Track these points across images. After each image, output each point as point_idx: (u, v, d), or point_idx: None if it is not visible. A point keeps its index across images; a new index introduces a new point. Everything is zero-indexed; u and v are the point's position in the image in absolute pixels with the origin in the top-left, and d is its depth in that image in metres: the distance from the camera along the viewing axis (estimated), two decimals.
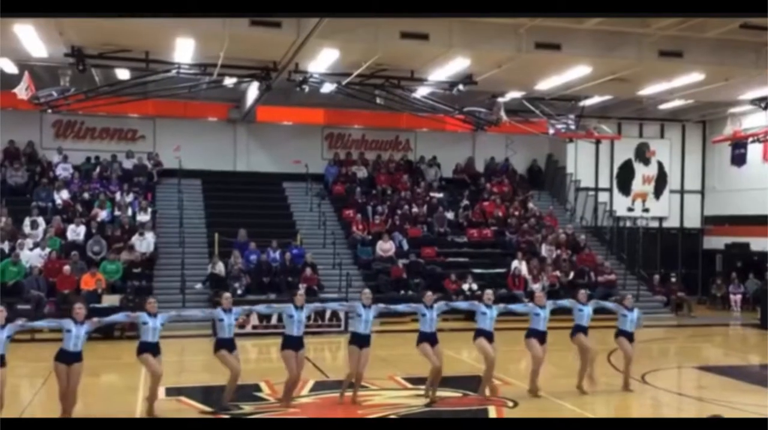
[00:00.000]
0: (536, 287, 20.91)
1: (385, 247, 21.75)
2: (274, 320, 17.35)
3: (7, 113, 22.28)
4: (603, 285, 21.69)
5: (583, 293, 11.98)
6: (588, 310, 11.64)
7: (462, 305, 12.35)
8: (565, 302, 12.04)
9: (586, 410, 10.60)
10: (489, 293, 11.31)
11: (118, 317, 10.84)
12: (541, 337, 11.26)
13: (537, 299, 11.56)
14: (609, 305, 12.26)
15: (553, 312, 11.53)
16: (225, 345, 10.25)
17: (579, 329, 11.59)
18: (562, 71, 18.37)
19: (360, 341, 10.52)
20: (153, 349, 9.91)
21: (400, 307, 11.49)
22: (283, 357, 10.36)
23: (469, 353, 14.80)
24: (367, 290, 10.91)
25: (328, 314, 17.85)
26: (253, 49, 16.44)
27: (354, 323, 10.72)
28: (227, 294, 10.77)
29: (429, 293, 11.17)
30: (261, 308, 11.60)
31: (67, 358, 9.40)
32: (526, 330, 11.41)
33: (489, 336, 11.01)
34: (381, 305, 11.17)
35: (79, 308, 9.55)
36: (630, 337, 11.74)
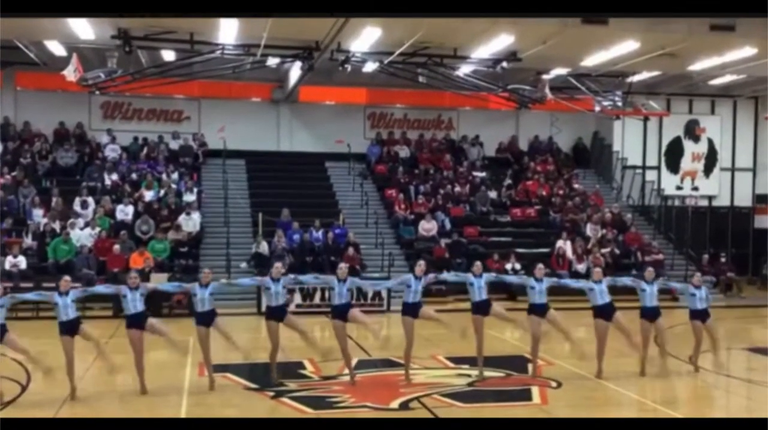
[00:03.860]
0: (581, 267, 20.70)
1: (428, 226, 21.72)
2: (317, 299, 17.57)
3: (57, 95, 22.82)
4: (650, 265, 21.29)
5: (650, 271, 11.58)
6: (652, 289, 11.21)
7: (511, 278, 12.28)
8: (627, 280, 11.71)
9: (632, 392, 10.48)
10: (540, 266, 11.37)
11: (171, 286, 11.55)
12: (602, 312, 10.98)
13: (595, 274, 11.28)
14: (675, 284, 12.04)
15: (615, 290, 11.23)
16: (273, 314, 10.53)
17: (645, 312, 11.21)
18: (609, 47, 17.98)
19: (413, 310, 10.70)
20: (204, 318, 10.29)
21: (449, 275, 11.77)
22: (333, 327, 10.66)
23: (512, 334, 14.75)
24: (421, 262, 11.02)
25: (370, 294, 17.96)
26: (296, 28, 16.45)
27: (404, 294, 10.82)
28: (278, 263, 11.10)
29: (478, 263, 11.29)
30: (308, 277, 12.14)
31: (136, 321, 9.99)
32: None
33: (541, 310, 10.99)
34: (431, 275, 11.28)
35: (134, 277, 10.27)
36: (703, 316, 11.40)
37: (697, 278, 11.75)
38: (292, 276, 11.96)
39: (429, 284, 11.14)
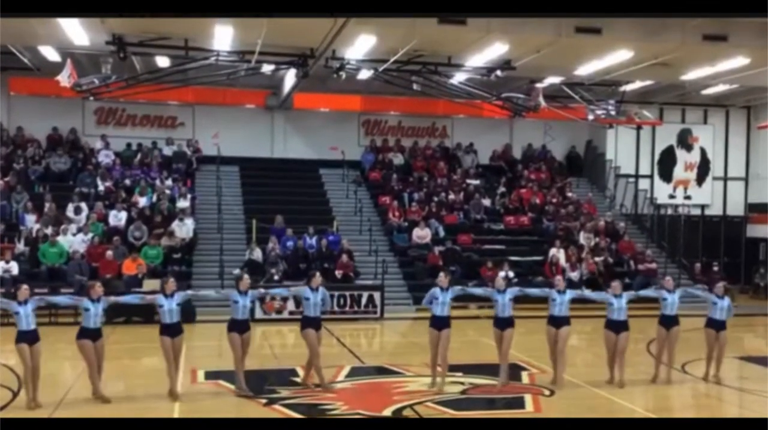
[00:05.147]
0: (574, 275, 20.72)
1: (422, 234, 21.73)
2: None
3: (51, 101, 22.75)
4: (643, 274, 21.37)
5: (669, 280, 11.70)
6: (674, 298, 11.33)
7: (534, 291, 12.24)
8: (650, 292, 11.74)
9: (623, 400, 10.47)
10: (559, 279, 11.47)
11: (133, 298, 11.07)
12: (615, 327, 11.06)
13: (613, 288, 11.26)
14: (698, 292, 12.15)
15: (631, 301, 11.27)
16: (236, 327, 10.31)
17: (665, 320, 11.31)
18: (602, 56, 18.05)
19: (438, 323, 10.65)
20: (170, 330, 9.98)
21: (477, 290, 11.62)
22: (304, 336, 10.55)
23: None
24: (442, 274, 10.96)
25: (364, 300, 17.94)
26: (291, 35, 16.45)
27: (433, 307, 10.77)
28: (246, 276, 10.82)
29: (499, 277, 11.25)
30: (279, 290, 11.88)
31: (91, 335, 9.68)
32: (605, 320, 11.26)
33: (558, 322, 11.02)
34: (458, 288, 11.25)
35: (98, 287, 9.87)
36: (720, 326, 11.46)
37: (719, 287, 11.74)
38: (261, 290, 11.84)
39: (457, 296, 11.01)
